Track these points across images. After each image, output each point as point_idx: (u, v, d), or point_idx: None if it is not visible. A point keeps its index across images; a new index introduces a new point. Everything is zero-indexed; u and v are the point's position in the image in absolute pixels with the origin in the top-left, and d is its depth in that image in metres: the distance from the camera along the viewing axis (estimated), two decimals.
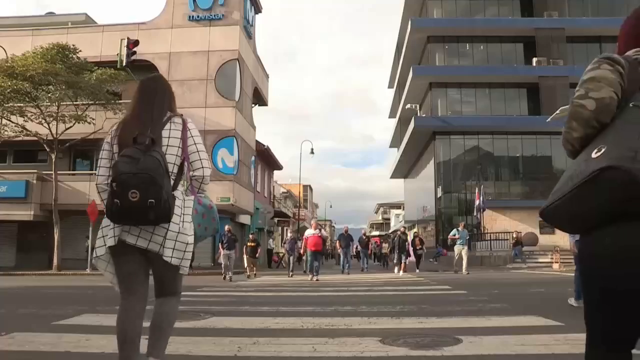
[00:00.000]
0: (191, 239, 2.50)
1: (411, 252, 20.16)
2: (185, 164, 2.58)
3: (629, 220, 1.32)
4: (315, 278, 13.57)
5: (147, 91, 2.64)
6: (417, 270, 18.61)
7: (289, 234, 20.58)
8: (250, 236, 16.84)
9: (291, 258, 17.25)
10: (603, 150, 1.34)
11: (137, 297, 2.49)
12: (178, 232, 2.43)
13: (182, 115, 2.66)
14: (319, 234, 14.64)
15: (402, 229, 20.08)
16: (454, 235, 16.81)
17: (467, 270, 16.12)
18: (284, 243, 19.36)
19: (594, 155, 1.36)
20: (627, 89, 1.45)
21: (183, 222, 2.48)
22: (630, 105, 1.41)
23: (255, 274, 15.98)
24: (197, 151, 2.58)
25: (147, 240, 2.39)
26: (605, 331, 1.45)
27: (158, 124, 2.51)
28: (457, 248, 16.70)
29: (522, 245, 22.69)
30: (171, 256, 2.41)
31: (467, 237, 17.32)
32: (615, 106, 1.44)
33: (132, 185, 2.23)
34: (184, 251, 2.45)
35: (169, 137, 2.51)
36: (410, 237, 20.31)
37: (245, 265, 16.69)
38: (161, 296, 2.58)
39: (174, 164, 2.51)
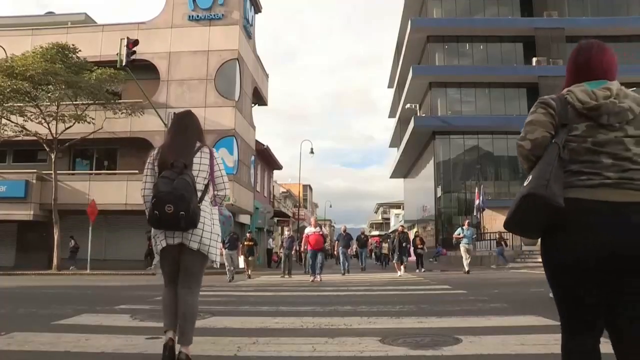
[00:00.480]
0: (219, 237, 3.35)
1: (411, 252, 20.04)
2: (211, 183, 3.32)
3: (560, 229, 1.68)
4: (317, 278, 13.16)
5: (180, 125, 3.40)
6: (417, 270, 18.59)
7: (286, 233, 20.38)
8: (248, 235, 16.74)
9: (288, 257, 16.79)
10: (529, 179, 1.73)
11: (176, 285, 3.23)
12: (211, 232, 3.24)
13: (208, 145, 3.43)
14: (320, 232, 14.21)
15: (400, 228, 19.70)
16: (459, 234, 16.22)
17: (465, 270, 15.89)
18: (282, 242, 19.14)
19: (525, 184, 1.74)
20: (557, 125, 1.80)
21: (213, 225, 3.29)
22: (552, 141, 1.76)
23: (249, 276, 15.60)
24: (222, 176, 3.36)
25: (189, 240, 3.15)
26: (570, 319, 1.77)
27: (190, 152, 3.24)
28: (462, 247, 16.14)
29: (505, 245, 22.11)
30: (207, 252, 3.21)
31: (474, 236, 16.70)
32: (548, 143, 1.78)
33: (167, 201, 2.97)
34: (216, 247, 3.29)
35: (199, 164, 3.25)
36: (411, 236, 20.08)
37: (242, 265, 16.60)
38: (186, 287, 3.22)
39: (203, 184, 3.25)
